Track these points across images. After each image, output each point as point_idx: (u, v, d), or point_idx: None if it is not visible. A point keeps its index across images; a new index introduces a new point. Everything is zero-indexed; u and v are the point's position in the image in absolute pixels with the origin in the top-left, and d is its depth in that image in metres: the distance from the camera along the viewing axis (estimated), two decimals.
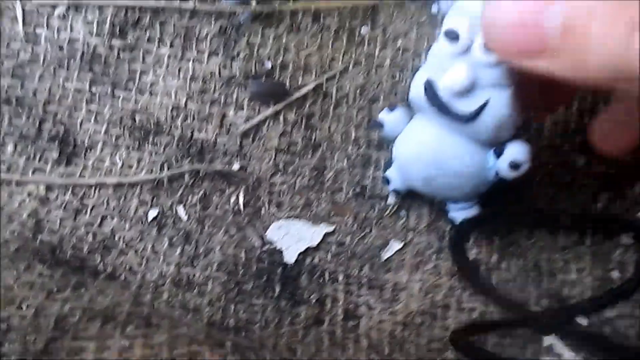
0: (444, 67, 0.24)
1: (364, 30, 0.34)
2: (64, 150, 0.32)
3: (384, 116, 0.29)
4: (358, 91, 0.33)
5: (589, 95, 0.33)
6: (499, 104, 0.24)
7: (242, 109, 0.33)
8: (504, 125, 0.25)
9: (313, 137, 0.33)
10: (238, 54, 0.33)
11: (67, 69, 0.33)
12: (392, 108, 0.29)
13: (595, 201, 0.33)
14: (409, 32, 0.34)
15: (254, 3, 0.33)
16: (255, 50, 0.33)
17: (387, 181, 0.31)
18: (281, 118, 0.33)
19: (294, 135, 0.32)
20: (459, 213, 0.30)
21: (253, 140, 0.32)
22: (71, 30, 0.33)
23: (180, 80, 0.33)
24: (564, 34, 0.18)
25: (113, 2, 0.33)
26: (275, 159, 0.32)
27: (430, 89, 0.25)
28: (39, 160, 0.32)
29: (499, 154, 0.26)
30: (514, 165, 0.26)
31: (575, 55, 0.18)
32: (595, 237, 0.33)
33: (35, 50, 0.33)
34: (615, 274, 0.32)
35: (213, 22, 0.33)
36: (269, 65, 0.33)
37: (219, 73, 0.33)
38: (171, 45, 0.33)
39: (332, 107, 0.33)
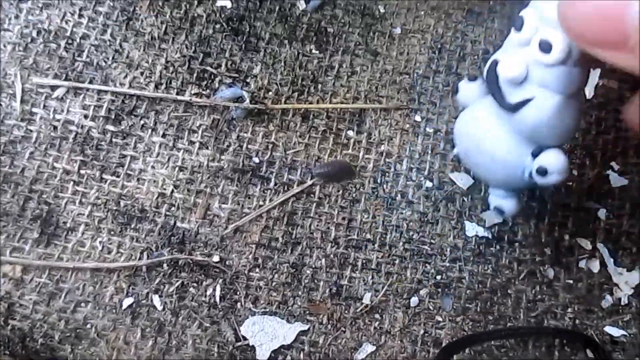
0: (510, 53, 0.25)
1: (350, 133, 0.35)
2: (45, 230, 0.32)
3: (462, 84, 0.28)
4: (340, 192, 0.34)
5: (559, 209, 0.35)
6: (542, 106, 0.24)
7: (227, 201, 0.33)
8: (544, 128, 0.25)
9: (294, 234, 0.33)
10: (228, 148, 0.34)
11: (59, 150, 0.34)
12: (471, 79, 0.28)
13: (564, 314, 0.34)
14: (393, 138, 0.36)
15: (247, 100, 0.35)
16: (245, 145, 0.34)
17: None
18: (264, 213, 0.33)
19: (275, 231, 0.33)
20: (496, 200, 0.30)
21: (235, 233, 0.33)
22: (67, 112, 0.34)
23: (169, 169, 0.34)
24: None
25: (112, 88, 0.35)
26: (255, 253, 0.33)
27: (492, 69, 0.25)
28: (19, 239, 0.32)
29: (535, 155, 0.26)
30: (542, 171, 0.26)
31: None
32: (563, 349, 0.33)
33: (29, 128, 0.34)
34: None
35: (206, 115, 0.35)
36: (256, 160, 0.34)
37: (208, 165, 0.34)
38: (163, 135, 0.34)
39: (314, 206, 0.34)
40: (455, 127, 0.29)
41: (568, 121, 0.25)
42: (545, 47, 0.23)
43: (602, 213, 0.35)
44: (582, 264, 0.34)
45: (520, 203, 0.30)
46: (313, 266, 0.33)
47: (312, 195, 0.34)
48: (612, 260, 0.34)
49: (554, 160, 0.25)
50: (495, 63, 0.25)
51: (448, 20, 0.39)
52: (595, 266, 0.34)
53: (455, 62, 0.37)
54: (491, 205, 0.30)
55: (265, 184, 0.34)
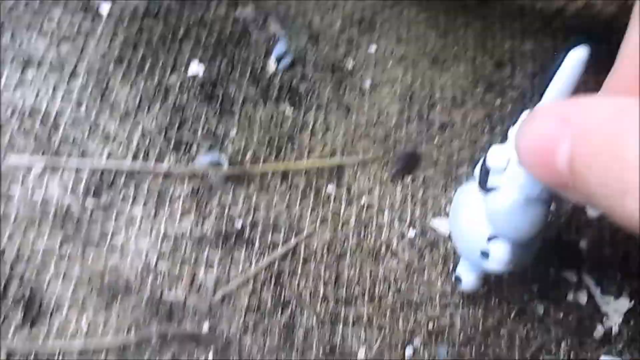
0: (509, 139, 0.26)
1: (330, 188, 0.36)
2: (29, 312, 0.32)
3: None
4: (325, 248, 0.34)
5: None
6: (501, 198, 0.25)
7: (213, 268, 0.33)
8: (497, 217, 0.26)
9: (282, 295, 0.33)
10: (210, 214, 0.34)
11: (38, 228, 0.33)
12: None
13: (558, 348, 0.34)
14: (372, 189, 0.36)
15: (226, 165, 0.35)
16: (227, 209, 0.35)
17: None
18: (251, 277, 0.33)
19: (264, 294, 0.33)
20: (461, 269, 0.32)
21: (222, 300, 0.33)
22: (46, 189, 0.34)
23: (152, 240, 0.34)
24: (571, 174, 0.18)
25: (90, 163, 0.35)
26: (245, 318, 0.32)
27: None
28: (2, 323, 0.31)
29: (489, 240, 0.27)
30: (484, 254, 0.27)
31: (585, 196, 0.18)
32: None
33: (7, 208, 0.34)
34: None
35: (186, 183, 0.35)
36: (239, 224, 0.34)
37: (191, 233, 0.34)
38: (144, 205, 0.34)
39: (300, 265, 0.34)
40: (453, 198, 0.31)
41: (522, 222, 0.26)
42: None
43: (583, 244, 0.36)
44: (569, 296, 0.35)
45: (479, 283, 0.31)
46: (305, 326, 0.33)
47: (297, 254, 0.34)
48: (598, 289, 0.35)
49: (496, 250, 0.27)
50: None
51: (415, 69, 0.40)
52: (583, 298, 0.35)
53: (426, 110, 0.38)
54: (456, 271, 0.32)
55: (249, 247, 0.34)
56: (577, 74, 0.24)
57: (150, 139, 0.36)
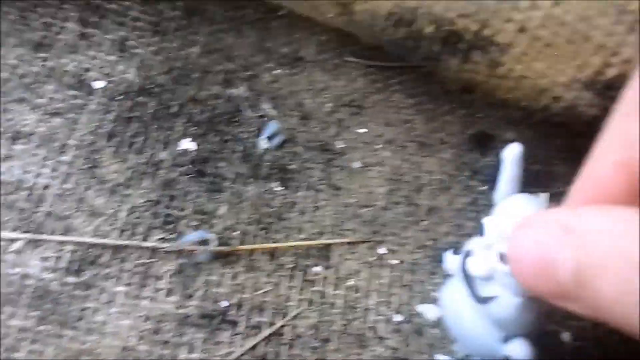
0: (479, 250, 0.26)
1: (318, 269, 0.36)
2: None
3: (447, 256, 0.30)
4: (311, 331, 0.34)
5: None
6: (505, 305, 0.26)
7: (194, 350, 0.32)
8: (508, 323, 0.26)
9: None
10: (194, 293, 0.34)
11: (15, 306, 0.32)
12: (456, 252, 0.29)
13: None
14: (360, 271, 0.36)
15: (213, 242, 0.35)
16: (212, 289, 0.34)
17: None
18: None
19: None
20: None
21: None
22: (25, 265, 0.33)
23: (133, 320, 0.33)
24: (576, 285, 0.17)
25: (73, 238, 0.34)
26: None
27: (463, 262, 0.26)
28: None
29: (505, 340, 0.27)
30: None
31: (590, 306, 0.17)
32: None
33: None
34: None
35: (172, 261, 0.34)
36: (225, 303, 0.34)
37: (174, 313, 0.33)
38: (128, 284, 0.33)
39: (285, 348, 0.33)
40: (442, 294, 0.31)
41: (530, 318, 0.26)
42: (504, 259, 0.25)
43: (565, 336, 0.36)
44: None
45: None
46: None
47: (282, 337, 0.33)
48: None
49: (517, 350, 0.27)
50: (466, 255, 0.27)
51: (403, 152, 0.41)
52: None
53: (414, 193, 0.39)
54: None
55: (233, 328, 0.33)
56: (517, 167, 0.26)
57: (138, 215, 0.35)
